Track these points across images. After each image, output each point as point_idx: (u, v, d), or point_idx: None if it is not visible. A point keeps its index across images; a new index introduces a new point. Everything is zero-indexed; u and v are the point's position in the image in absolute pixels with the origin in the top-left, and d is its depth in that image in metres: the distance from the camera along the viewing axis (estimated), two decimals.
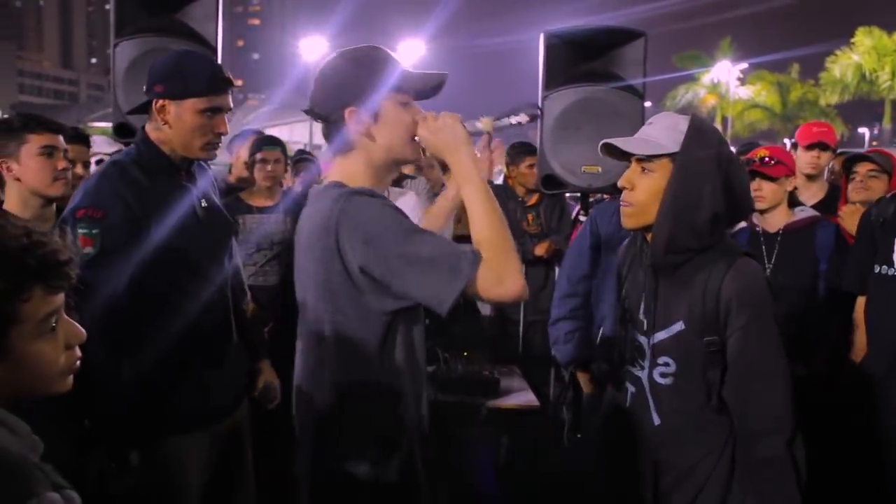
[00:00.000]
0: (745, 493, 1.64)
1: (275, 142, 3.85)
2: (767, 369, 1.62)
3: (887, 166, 3.11)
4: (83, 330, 1.10)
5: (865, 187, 3.10)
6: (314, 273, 1.53)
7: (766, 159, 2.90)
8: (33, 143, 2.27)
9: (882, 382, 2.38)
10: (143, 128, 2.07)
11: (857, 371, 2.49)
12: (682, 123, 1.67)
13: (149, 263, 1.91)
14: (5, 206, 2.30)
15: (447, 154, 1.56)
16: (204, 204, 2.12)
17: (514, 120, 1.72)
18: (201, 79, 2.00)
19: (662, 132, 1.68)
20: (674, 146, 1.64)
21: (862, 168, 3.13)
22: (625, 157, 1.72)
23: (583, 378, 2.94)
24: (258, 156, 3.70)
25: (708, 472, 1.66)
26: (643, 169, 1.67)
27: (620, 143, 1.70)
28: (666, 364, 1.68)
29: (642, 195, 1.67)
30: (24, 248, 1.00)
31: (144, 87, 2.05)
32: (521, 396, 3.00)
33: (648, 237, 1.71)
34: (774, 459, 1.61)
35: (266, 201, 3.71)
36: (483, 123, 1.70)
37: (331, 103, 1.57)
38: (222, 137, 2.09)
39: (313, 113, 1.60)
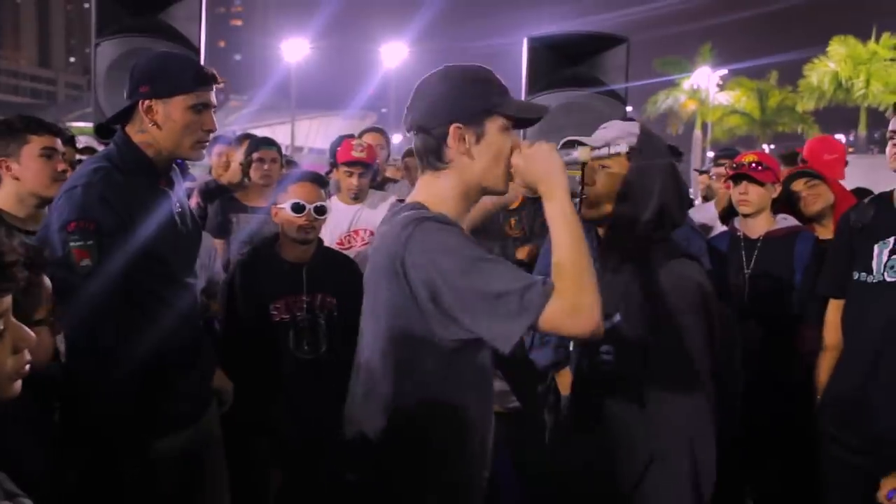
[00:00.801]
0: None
1: (271, 142, 3.89)
2: (684, 365, 1.71)
3: (816, 172, 3.26)
4: (33, 334, 1.08)
5: (816, 194, 3.19)
6: (378, 295, 1.51)
7: (755, 164, 2.94)
8: (34, 145, 2.29)
9: (858, 390, 2.40)
10: (123, 129, 2.01)
11: (833, 378, 2.51)
12: (634, 128, 1.85)
13: (132, 269, 1.88)
14: None
15: (540, 183, 1.51)
16: (179, 209, 2.09)
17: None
18: (187, 75, 1.97)
19: (619, 134, 1.82)
20: (629, 144, 1.79)
21: (798, 184, 3.23)
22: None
23: (561, 381, 2.95)
24: (255, 155, 3.73)
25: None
26: (601, 165, 1.80)
27: (584, 139, 1.80)
28: (607, 352, 1.79)
29: (601, 188, 1.80)
30: None
31: (126, 92, 1.99)
32: (503, 399, 3.01)
33: (601, 231, 1.84)
34: (667, 456, 1.70)
35: (261, 201, 3.73)
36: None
37: (437, 116, 1.52)
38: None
39: (412, 125, 1.56)
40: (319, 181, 2.81)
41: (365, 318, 1.61)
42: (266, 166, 3.71)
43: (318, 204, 2.68)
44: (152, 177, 2.01)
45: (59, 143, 2.36)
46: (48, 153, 2.30)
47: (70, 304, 1.81)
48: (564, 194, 1.49)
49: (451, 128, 1.51)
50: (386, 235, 1.51)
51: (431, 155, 1.54)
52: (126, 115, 2.00)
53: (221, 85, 2.04)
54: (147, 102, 1.95)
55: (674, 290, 1.73)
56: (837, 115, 33.50)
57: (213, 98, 2.02)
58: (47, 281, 1.50)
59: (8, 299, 1.03)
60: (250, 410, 2.55)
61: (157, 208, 1.99)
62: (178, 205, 2.09)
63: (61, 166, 2.32)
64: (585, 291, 1.37)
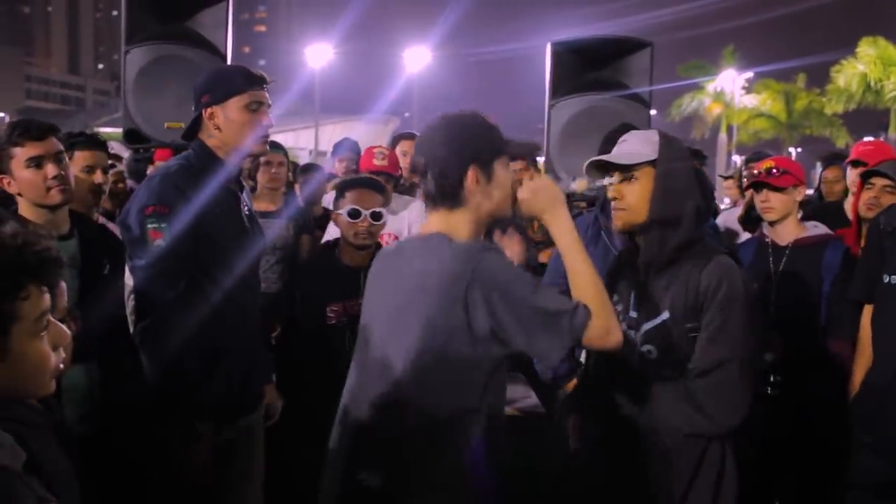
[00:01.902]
0: None
1: (277, 146, 3.90)
2: (729, 351, 1.81)
3: None
4: (68, 331, 1.13)
5: (878, 204, 2.95)
6: (421, 316, 1.59)
7: (774, 170, 2.86)
8: (19, 157, 2.24)
9: (888, 395, 2.37)
10: (199, 137, 2.23)
11: (862, 382, 2.47)
12: (654, 135, 1.92)
13: (199, 255, 2.09)
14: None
15: (545, 214, 1.69)
16: (247, 211, 2.28)
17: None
18: (238, 79, 2.20)
19: (639, 144, 1.89)
20: (652, 154, 1.87)
21: (878, 181, 2.99)
22: (607, 172, 1.93)
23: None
24: (262, 159, 3.73)
25: (698, 457, 1.83)
26: (628, 179, 1.88)
27: (607, 157, 1.89)
28: (648, 352, 1.87)
29: (632, 199, 1.87)
30: (21, 246, 1.02)
31: (192, 107, 2.24)
32: (526, 402, 3.01)
33: (638, 239, 1.91)
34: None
35: (269, 206, 3.73)
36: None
37: (454, 162, 1.66)
38: None
39: (426, 170, 1.67)
40: (377, 187, 2.85)
41: (383, 322, 1.69)
42: (273, 170, 3.74)
43: (375, 210, 2.73)
44: (225, 177, 2.20)
45: (49, 145, 2.26)
46: (35, 162, 2.23)
47: (141, 279, 2.07)
48: (568, 221, 1.68)
49: (470, 171, 1.65)
50: (432, 262, 1.61)
51: (448, 198, 1.67)
52: (195, 127, 2.23)
53: (272, 83, 2.24)
54: (209, 110, 2.18)
55: (722, 282, 1.82)
56: (867, 117, 32.92)
57: (267, 97, 2.24)
58: (63, 284, 1.55)
59: (48, 296, 1.06)
60: (307, 409, 2.60)
61: (228, 206, 2.21)
62: (246, 207, 2.29)
63: (52, 171, 2.23)
64: (611, 315, 1.58)
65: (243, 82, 2.19)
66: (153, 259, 2.05)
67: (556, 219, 1.67)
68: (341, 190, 2.80)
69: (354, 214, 2.68)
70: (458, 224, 1.67)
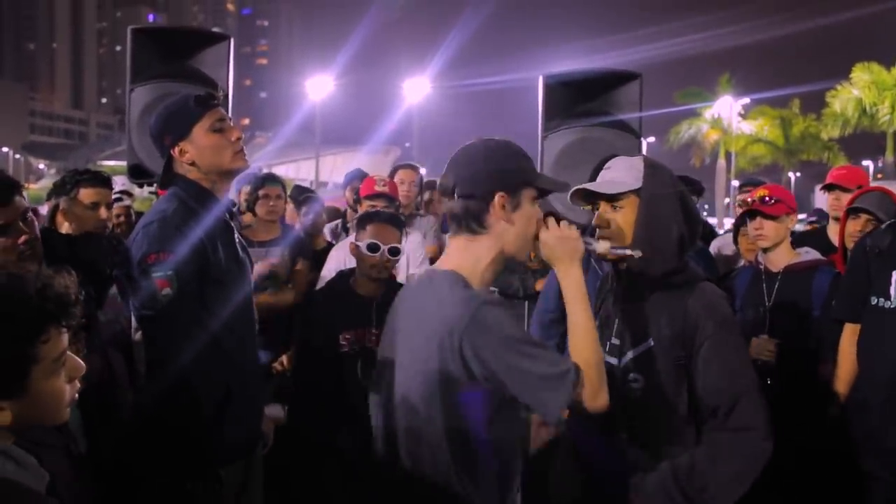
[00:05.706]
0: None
1: (275, 179, 4.00)
2: (737, 371, 1.81)
3: (889, 213, 2.99)
4: (83, 363, 1.17)
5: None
6: (424, 361, 1.59)
7: (767, 198, 2.91)
8: None
9: (878, 418, 2.39)
10: (180, 175, 2.16)
11: (851, 406, 2.50)
12: (639, 163, 1.91)
13: (205, 300, 2.04)
14: None
15: (561, 264, 1.68)
16: (239, 239, 2.25)
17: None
18: (191, 106, 2.13)
19: (623, 172, 1.89)
20: (636, 182, 1.87)
21: (864, 215, 3.06)
22: (592, 200, 1.93)
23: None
24: (261, 192, 3.84)
25: None
26: (613, 207, 1.88)
27: (591, 187, 1.90)
28: (634, 380, 1.86)
29: (617, 228, 1.87)
30: (41, 291, 1.07)
31: (159, 153, 2.18)
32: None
33: (621, 266, 1.90)
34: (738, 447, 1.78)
35: (267, 236, 3.83)
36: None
37: (482, 184, 1.64)
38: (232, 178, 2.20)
39: (454, 190, 1.66)
40: (397, 223, 2.93)
41: (397, 356, 1.69)
42: (272, 203, 3.83)
43: (393, 245, 2.82)
44: (217, 208, 2.15)
45: (14, 209, 1.97)
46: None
47: (151, 330, 2.02)
48: (580, 277, 1.68)
49: (497, 195, 1.63)
50: (436, 307, 1.60)
51: (472, 220, 1.65)
52: (171, 170, 2.17)
53: (222, 96, 2.18)
54: (177, 149, 2.13)
55: (710, 309, 1.81)
56: (864, 141, 33.12)
57: (224, 113, 2.19)
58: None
59: (66, 336, 1.12)
60: (320, 435, 2.68)
61: (225, 238, 2.15)
62: (237, 236, 2.25)
63: (23, 238, 1.96)
64: (602, 378, 1.59)
65: (198, 108, 2.12)
66: (163, 309, 1.98)
67: (570, 272, 1.68)
68: (362, 222, 2.89)
69: (373, 248, 2.78)
70: (477, 256, 1.65)
